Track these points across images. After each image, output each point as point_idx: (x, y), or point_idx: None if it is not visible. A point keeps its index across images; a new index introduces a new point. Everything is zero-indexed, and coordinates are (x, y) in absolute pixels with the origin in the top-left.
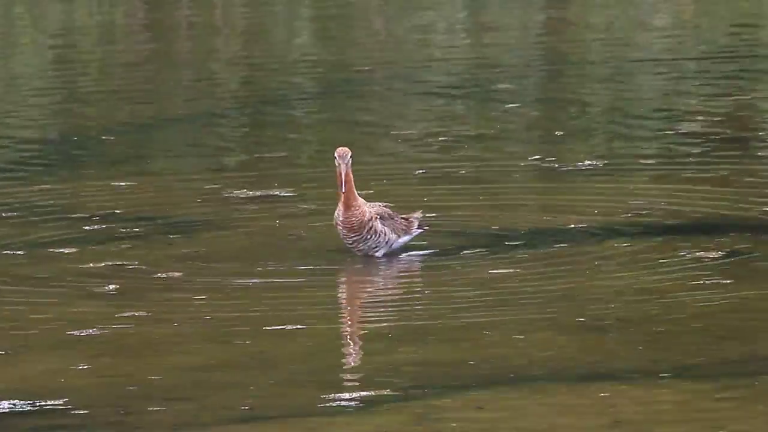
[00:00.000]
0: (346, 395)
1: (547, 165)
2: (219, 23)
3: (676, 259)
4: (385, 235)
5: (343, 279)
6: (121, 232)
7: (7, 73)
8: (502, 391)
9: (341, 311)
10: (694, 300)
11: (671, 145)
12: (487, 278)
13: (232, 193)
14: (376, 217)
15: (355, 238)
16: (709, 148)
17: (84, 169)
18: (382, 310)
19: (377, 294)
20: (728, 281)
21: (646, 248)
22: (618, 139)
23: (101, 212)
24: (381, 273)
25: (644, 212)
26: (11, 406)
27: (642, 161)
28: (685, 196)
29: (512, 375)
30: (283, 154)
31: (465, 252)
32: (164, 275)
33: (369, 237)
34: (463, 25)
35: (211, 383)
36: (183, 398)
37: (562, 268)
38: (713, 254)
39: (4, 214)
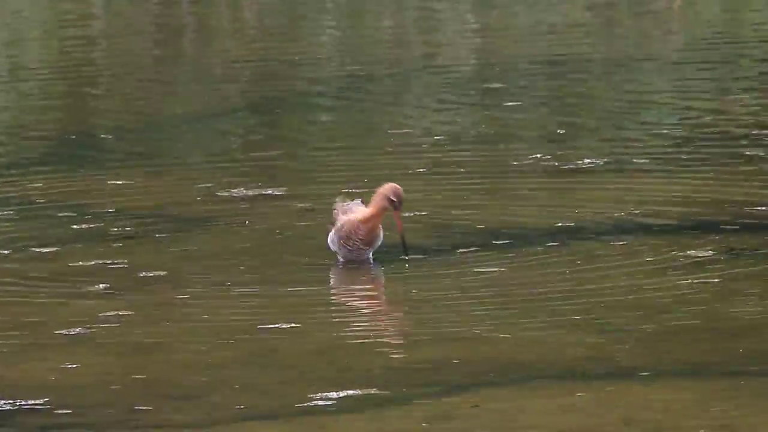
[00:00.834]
0: (349, 394)
1: (546, 163)
2: (216, 23)
3: (679, 257)
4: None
5: (338, 278)
6: (113, 231)
7: (8, 65)
8: (508, 391)
9: (340, 311)
10: (699, 298)
11: (673, 144)
12: (488, 277)
13: (227, 191)
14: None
15: (367, 250)
16: (709, 146)
17: (79, 168)
18: (380, 309)
19: (374, 294)
20: (733, 279)
21: (649, 246)
22: (618, 138)
23: (94, 211)
24: (376, 272)
25: (646, 210)
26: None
27: (641, 160)
28: (687, 194)
29: (518, 374)
30: (278, 152)
31: (463, 250)
32: (152, 274)
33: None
34: (467, 24)
35: (206, 383)
36: (175, 397)
37: (565, 266)
38: (716, 252)
39: None
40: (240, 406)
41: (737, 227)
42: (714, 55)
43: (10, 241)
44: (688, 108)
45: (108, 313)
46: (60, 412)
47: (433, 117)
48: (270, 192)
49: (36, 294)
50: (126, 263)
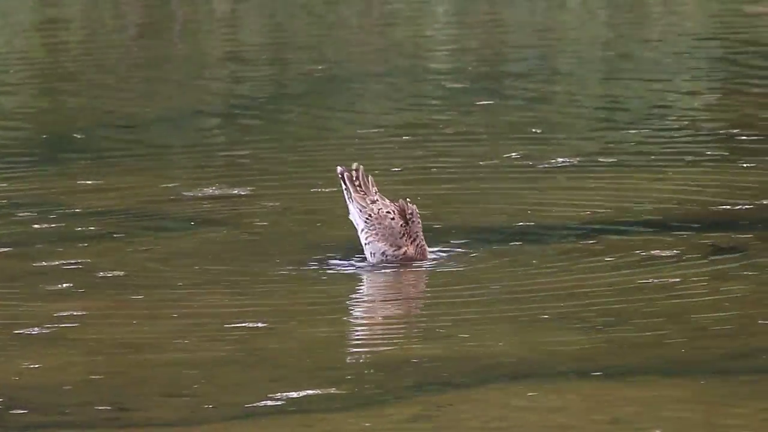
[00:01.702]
0: (335, 392)
1: (522, 162)
2: (191, 23)
3: (667, 255)
4: None
5: (318, 277)
6: (77, 231)
7: None
8: (499, 390)
9: (329, 310)
10: (688, 296)
11: (654, 142)
12: (476, 276)
13: (194, 192)
14: None
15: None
16: (691, 144)
17: (50, 167)
18: (364, 308)
19: (357, 293)
20: (721, 278)
21: (634, 244)
22: (596, 137)
23: (60, 211)
24: (357, 272)
25: (625, 208)
26: None
27: (621, 157)
28: (669, 193)
29: (507, 373)
30: (247, 152)
31: (450, 250)
32: (114, 274)
33: None
34: (446, 20)
35: (191, 381)
36: (161, 395)
37: (553, 265)
38: (704, 250)
39: None
40: (226, 404)
41: (723, 226)
42: (694, 54)
43: None
44: (668, 106)
45: (72, 313)
46: (33, 411)
47: (404, 115)
48: (236, 192)
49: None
50: (90, 262)
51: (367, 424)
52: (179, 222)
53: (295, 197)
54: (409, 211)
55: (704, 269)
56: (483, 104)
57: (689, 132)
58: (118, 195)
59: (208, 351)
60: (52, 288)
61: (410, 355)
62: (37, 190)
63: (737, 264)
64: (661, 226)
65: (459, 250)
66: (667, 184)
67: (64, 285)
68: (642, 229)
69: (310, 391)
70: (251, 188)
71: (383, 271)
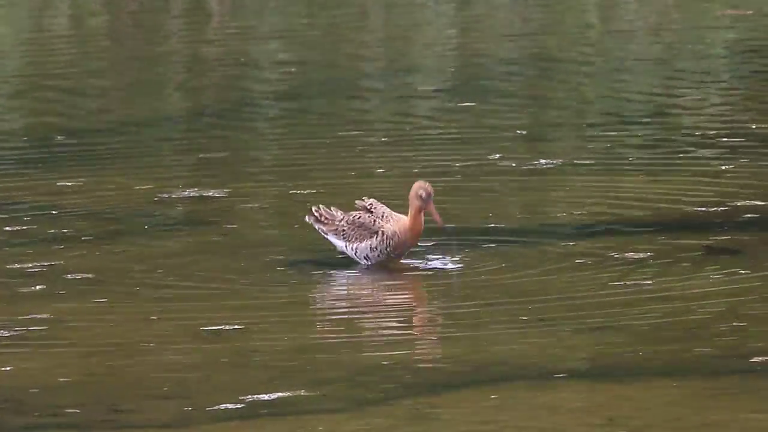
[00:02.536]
0: (327, 394)
1: (505, 164)
2: (175, 26)
3: (658, 257)
4: None
5: (296, 279)
6: (49, 233)
7: None
8: (493, 391)
9: (320, 312)
10: (680, 298)
11: (648, 144)
12: (468, 278)
13: (171, 194)
14: None
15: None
16: (685, 147)
17: (29, 168)
18: (354, 310)
19: (346, 295)
20: (714, 279)
21: (624, 246)
22: (580, 139)
23: (33, 213)
24: (354, 273)
25: (623, 211)
26: None
27: (613, 160)
28: (663, 194)
29: (502, 374)
30: (225, 154)
31: (439, 251)
32: (82, 276)
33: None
34: (432, 24)
35: (179, 383)
36: (149, 398)
37: (537, 266)
38: (696, 252)
39: None
40: (217, 406)
41: (713, 226)
42: (677, 59)
43: None
44: (660, 110)
45: (40, 316)
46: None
47: (389, 117)
48: (211, 194)
49: None
50: (62, 265)
51: (359, 425)
52: (156, 224)
53: (273, 199)
54: (368, 203)
55: (696, 271)
56: (465, 106)
57: (682, 135)
58: (93, 197)
59: (197, 353)
60: (25, 290)
61: (401, 356)
62: (16, 192)
63: (730, 265)
64: (653, 228)
65: (441, 254)
66: (658, 186)
67: (37, 287)
68: (631, 231)
69: (302, 393)
70: (227, 189)
71: (370, 273)
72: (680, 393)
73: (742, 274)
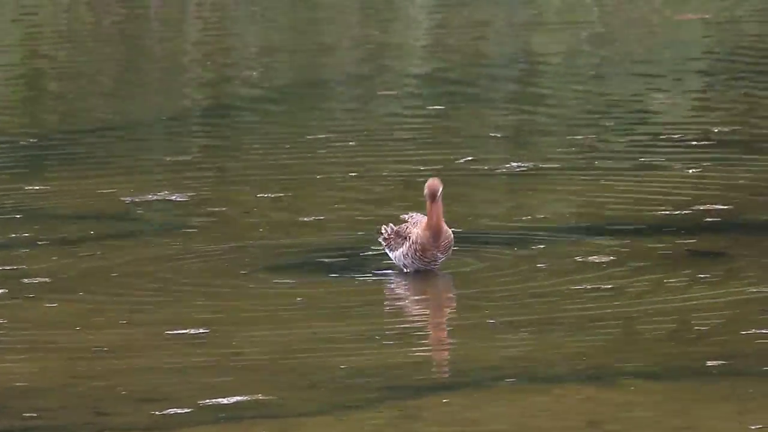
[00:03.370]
0: (313, 396)
1: (479, 167)
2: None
3: (643, 260)
4: None
5: (305, 281)
6: (12, 237)
7: None
8: (476, 392)
9: (304, 314)
10: (663, 300)
11: (630, 146)
12: (454, 280)
13: (140, 197)
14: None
15: (441, 258)
16: (667, 148)
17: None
18: (341, 312)
19: (334, 296)
20: (699, 281)
21: (608, 248)
22: (553, 142)
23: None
24: (334, 275)
25: (599, 212)
26: None
27: (595, 162)
28: (647, 196)
29: (485, 376)
30: (192, 157)
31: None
32: (48, 280)
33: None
34: (419, 23)
35: (166, 386)
36: (135, 400)
37: (523, 268)
38: (681, 255)
39: None
40: (200, 409)
41: (699, 229)
42: (657, 60)
43: None
44: (640, 111)
45: (25, 318)
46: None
47: (375, 119)
48: (175, 198)
49: None
50: (26, 269)
51: (346, 428)
52: (133, 228)
53: (245, 203)
54: (409, 215)
55: (682, 273)
56: (436, 109)
57: (664, 136)
58: (62, 200)
59: (179, 356)
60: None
61: (388, 358)
62: None
63: (714, 268)
64: (637, 230)
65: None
66: (643, 188)
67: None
68: (609, 233)
69: (285, 395)
70: (198, 193)
71: (354, 275)
72: (662, 397)
73: (723, 276)
